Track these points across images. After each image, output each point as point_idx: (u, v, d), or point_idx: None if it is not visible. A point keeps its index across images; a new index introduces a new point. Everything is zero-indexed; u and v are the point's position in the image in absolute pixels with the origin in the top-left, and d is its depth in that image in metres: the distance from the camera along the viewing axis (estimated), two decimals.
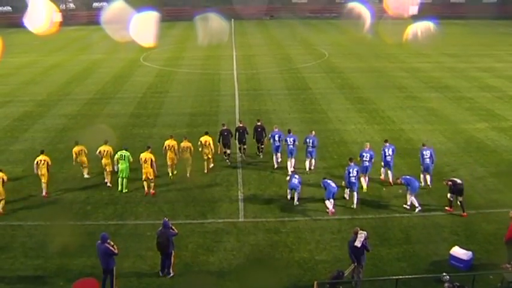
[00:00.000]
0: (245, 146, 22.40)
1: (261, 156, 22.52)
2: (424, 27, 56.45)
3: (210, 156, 21.03)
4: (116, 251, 13.43)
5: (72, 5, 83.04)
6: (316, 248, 15.72)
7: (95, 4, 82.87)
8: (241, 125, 22.56)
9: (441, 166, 21.34)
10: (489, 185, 19.93)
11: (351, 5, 68.88)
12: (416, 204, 17.82)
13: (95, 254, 13.84)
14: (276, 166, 21.60)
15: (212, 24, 56.89)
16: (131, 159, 19.38)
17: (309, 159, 21.31)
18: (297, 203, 18.50)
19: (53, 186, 20.05)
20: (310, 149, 21.14)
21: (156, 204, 18.60)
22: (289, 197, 18.73)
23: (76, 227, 17.10)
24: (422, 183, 19.50)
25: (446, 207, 17.84)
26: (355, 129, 26.08)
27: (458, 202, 17.56)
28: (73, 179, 20.78)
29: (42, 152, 19.62)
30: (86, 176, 20.77)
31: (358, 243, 13.68)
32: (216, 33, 54.40)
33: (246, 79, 38.39)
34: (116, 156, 19.50)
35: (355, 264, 13.91)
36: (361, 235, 13.74)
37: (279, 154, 21.77)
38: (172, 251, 14.36)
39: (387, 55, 48.08)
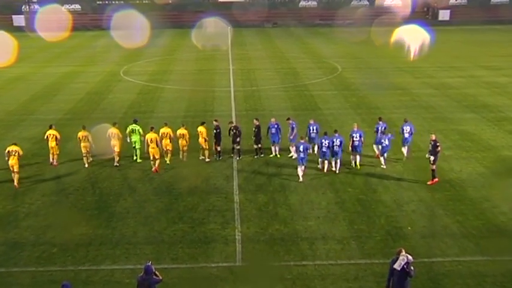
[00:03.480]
0: (239, 147, 26.14)
1: (262, 155, 26.54)
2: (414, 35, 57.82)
3: (204, 146, 25.80)
4: None
5: (36, 6, 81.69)
6: None
7: (66, 6, 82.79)
8: (233, 125, 26.39)
9: (480, 201, 21.37)
10: None
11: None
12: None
13: None
14: (273, 154, 26.53)
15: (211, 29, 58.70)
16: (142, 132, 25.14)
17: (311, 145, 25.57)
18: (301, 179, 23.21)
19: (12, 224, 19.98)
20: (313, 135, 25.90)
21: (137, 245, 18.46)
22: (299, 174, 23.37)
23: (38, 273, 16.86)
24: (406, 155, 25.72)
25: (429, 182, 22.67)
26: (373, 157, 26.02)
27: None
28: (35, 215, 20.71)
29: None
30: (86, 165, 25.04)
31: (397, 266, 14.03)
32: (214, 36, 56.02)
33: (244, 97, 38.71)
34: (128, 129, 25.20)
35: None
36: (403, 258, 14.07)
37: (276, 144, 26.53)
38: None
39: (411, 69, 48.62)
